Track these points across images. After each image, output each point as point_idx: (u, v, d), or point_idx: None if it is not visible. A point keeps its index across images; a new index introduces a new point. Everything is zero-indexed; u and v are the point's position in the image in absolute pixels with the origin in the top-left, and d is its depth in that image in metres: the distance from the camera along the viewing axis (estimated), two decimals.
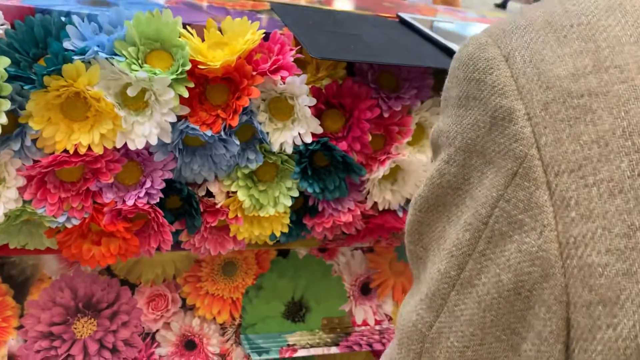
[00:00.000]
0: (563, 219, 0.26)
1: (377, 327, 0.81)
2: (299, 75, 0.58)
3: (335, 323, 0.79)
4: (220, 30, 0.59)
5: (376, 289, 0.82)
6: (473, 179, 0.30)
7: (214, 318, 0.74)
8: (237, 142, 0.58)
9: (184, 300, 0.72)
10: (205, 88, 0.58)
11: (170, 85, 0.54)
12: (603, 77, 0.26)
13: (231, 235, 0.65)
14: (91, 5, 0.59)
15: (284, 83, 0.58)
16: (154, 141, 0.55)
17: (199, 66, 0.54)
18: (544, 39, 0.28)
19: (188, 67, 0.54)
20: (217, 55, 0.55)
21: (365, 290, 0.81)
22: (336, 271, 0.80)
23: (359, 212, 0.67)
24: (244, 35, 0.58)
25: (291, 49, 0.59)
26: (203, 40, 0.57)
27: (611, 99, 0.26)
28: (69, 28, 0.52)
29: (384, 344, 0.76)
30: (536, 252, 0.26)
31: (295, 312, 0.77)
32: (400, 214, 0.70)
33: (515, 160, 0.27)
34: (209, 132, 0.56)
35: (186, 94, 0.54)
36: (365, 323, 0.81)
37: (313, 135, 0.60)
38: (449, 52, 0.65)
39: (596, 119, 0.26)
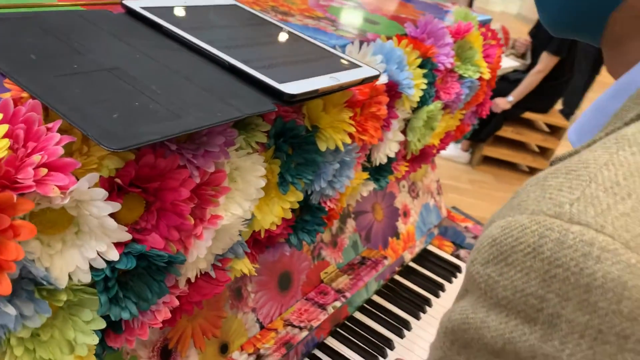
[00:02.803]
0: None
1: None
2: (80, 171, 0.37)
3: None
4: None
5: (176, 348, 0.67)
6: None
7: None
8: (13, 312, 0.35)
9: None
10: None
11: None
12: None
13: None
14: None
15: (64, 195, 0.36)
16: None
17: None
18: None
19: None
20: None
21: (166, 355, 0.66)
22: (128, 352, 0.62)
23: (176, 301, 0.51)
24: None
25: (49, 129, 0.37)
26: None
27: None
28: None
29: None
30: None
31: None
32: (214, 274, 0.56)
33: None
34: None
35: None
36: None
37: (117, 244, 0.41)
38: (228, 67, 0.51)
39: None
